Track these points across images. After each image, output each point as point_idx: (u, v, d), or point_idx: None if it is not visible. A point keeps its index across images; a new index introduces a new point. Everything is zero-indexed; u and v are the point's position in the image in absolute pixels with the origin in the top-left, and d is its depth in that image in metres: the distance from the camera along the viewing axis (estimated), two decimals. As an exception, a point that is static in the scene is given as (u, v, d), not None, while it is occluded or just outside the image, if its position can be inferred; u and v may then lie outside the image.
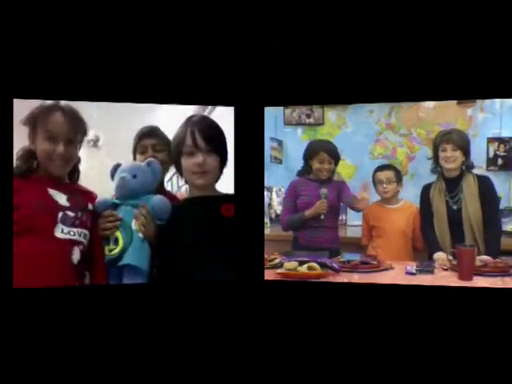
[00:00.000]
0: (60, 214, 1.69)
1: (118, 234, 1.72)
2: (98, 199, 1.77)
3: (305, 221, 2.10)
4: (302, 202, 2.13)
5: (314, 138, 2.18)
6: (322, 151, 2.09)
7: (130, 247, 1.71)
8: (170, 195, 1.89)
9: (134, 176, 1.75)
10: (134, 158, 1.88)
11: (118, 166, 1.79)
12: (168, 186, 1.95)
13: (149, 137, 1.86)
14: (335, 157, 2.10)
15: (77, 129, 1.73)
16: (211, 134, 1.77)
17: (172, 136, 1.82)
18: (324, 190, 2.08)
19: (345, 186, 2.13)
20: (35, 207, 1.67)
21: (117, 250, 1.70)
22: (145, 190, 1.76)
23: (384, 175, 2.07)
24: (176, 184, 1.94)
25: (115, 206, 1.75)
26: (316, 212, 2.08)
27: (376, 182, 2.09)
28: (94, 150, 1.88)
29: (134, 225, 1.73)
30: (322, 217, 2.07)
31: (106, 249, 1.73)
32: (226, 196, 1.84)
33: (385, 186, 2.07)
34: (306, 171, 2.14)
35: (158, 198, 1.76)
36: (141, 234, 1.71)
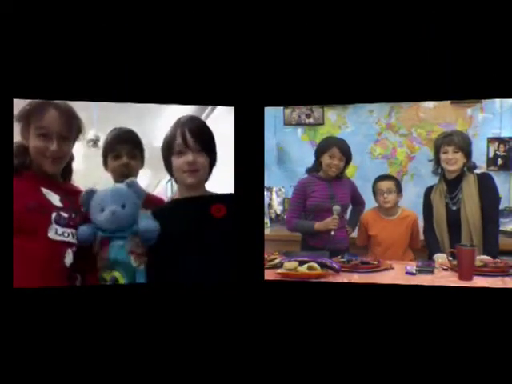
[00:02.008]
0: (53, 215, 1.66)
1: (117, 274, 1.68)
2: (79, 231, 1.68)
3: (313, 231, 2.10)
4: (311, 202, 2.13)
5: (314, 138, 2.18)
6: (334, 146, 2.09)
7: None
8: (153, 198, 1.87)
9: (123, 206, 1.69)
10: (105, 163, 1.84)
11: (92, 192, 1.70)
12: (168, 186, 1.95)
13: (125, 142, 1.82)
14: (346, 155, 2.10)
15: (71, 126, 1.70)
16: (200, 133, 1.77)
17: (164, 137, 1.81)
18: (337, 207, 2.06)
19: (355, 185, 2.14)
20: (28, 206, 1.63)
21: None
22: (133, 218, 1.70)
23: (385, 185, 2.08)
24: (176, 184, 1.93)
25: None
26: (326, 228, 2.07)
27: (377, 192, 2.10)
28: (94, 150, 1.88)
29: (133, 262, 1.69)
30: (333, 233, 2.06)
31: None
32: (216, 196, 1.84)
33: (385, 195, 2.08)
34: (315, 168, 2.14)
35: (145, 225, 1.70)
36: (141, 266, 1.71)
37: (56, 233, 1.65)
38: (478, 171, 1.99)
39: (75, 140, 1.73)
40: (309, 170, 2.15)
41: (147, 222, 1.71)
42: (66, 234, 1.67)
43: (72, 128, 1.71)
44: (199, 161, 1.75)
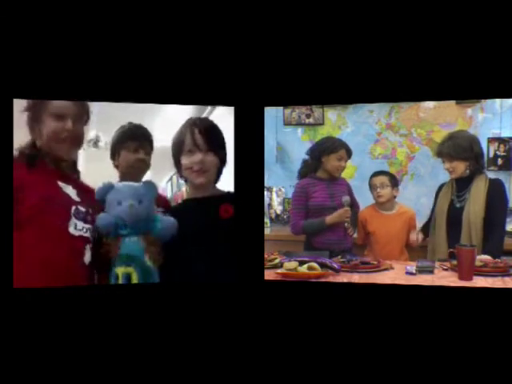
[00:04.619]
0: (73, 208, 1.66)
1: (131, 270, 1.68)
2: (100, 217, 1.69)
3: (325, 226, 2.10)
4: (313, 203, 2.13)
5: (313, 138, 2.18)
6: (342, 148, 2.09)
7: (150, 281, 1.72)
8: (162, 198, 1.87)
9: (140, 202, 1.72)
10: (117, 157, 1.82)
11: (110, 186, 1.72)
12: (168, 186, 1.95)
13: (140, 137, 1.83)
14: (350, 156, 2.10)
15: (81, 106, 1.71)
16: (210, 133, 1.80)
17: (171, 136, 1.82)
18: (346, 198, 2.07)
19: (350, 187, 2.14)
20: (47, 200, 1.62)
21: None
22: (148, 215, 1.73)
23: (378, 180, 2.09)
24: (176, 184, 1.94)
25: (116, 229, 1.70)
26: (339, 220, 2.08)
27: (371, 188, 2.10)
28: (94, 150, 1.88)
29: (147, 260, 1.70)
30: (346, 224, 2.07)
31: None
32: (225, 195, 1.85)
33: (378, 190, 2.09)
34: (313, 168, 2.14)
35: (168, 223, 1.74)
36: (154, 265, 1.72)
37: (76, 228, 1.65)
38: (490, 176, 1.98)
39: (86, 123, 1.74)
40: (306, 172, 2.14)
41: (171, 223, 1.74)
42: (84, 230, 1.67)
43: (83, 109, 1.72)
44: (208, 161, 1.77)
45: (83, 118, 1.73)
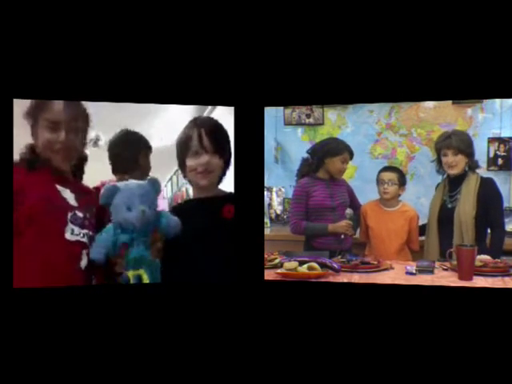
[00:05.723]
0: (69, 214, 1.65)
1: (142, 272, 1.69)
2: (99, 239, 1.68)
3: (326, 233, 2.10)
4: (313, 203, 2.13)
5: (313, 138, 2.18)
6: (346, 152, 2.09)
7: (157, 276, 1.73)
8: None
9: (150, 205, 1.71)
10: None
11: (116, 188, 1.68)
12: (168, 186, 1.95)
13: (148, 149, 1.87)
14: (352, 158, 2.11)
15: (77, 115, 1.69)
16: (217, 135, 1.80)
17: (171, 137, 1.83)
18: (349, 211, 2.08)
19: (351, 187, 2.15)
20: (44, 203, 1.62)
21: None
22: (155, 215, 1.73)
23: (387, 176, 2.09)
24: (176, 184, 1.94)
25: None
26: (341, 231, 2.09)
27: (379, 182, 2.10)
28: (95, 150, 1.88)
29: (152, 257, 1.72)
30: (342, 236, 2.08)
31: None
32: (228, 196, 1.85)
33: (386, 186, 2.09)
34: (314, 168, 2.14)
35: (175, 222, 1.74)
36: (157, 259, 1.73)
37: (72, 233, 1.65)
38: (482, 175, 1.98)
39: (84, 132, 1.72)
40: (306, 171, 2.14)
41: (177, 222, 1.75)
42: (81, 235, 1.66)
43: (78, 117, 1.70)
44: (213, 162, 1.77)
45: (79, 127, 1.70)
